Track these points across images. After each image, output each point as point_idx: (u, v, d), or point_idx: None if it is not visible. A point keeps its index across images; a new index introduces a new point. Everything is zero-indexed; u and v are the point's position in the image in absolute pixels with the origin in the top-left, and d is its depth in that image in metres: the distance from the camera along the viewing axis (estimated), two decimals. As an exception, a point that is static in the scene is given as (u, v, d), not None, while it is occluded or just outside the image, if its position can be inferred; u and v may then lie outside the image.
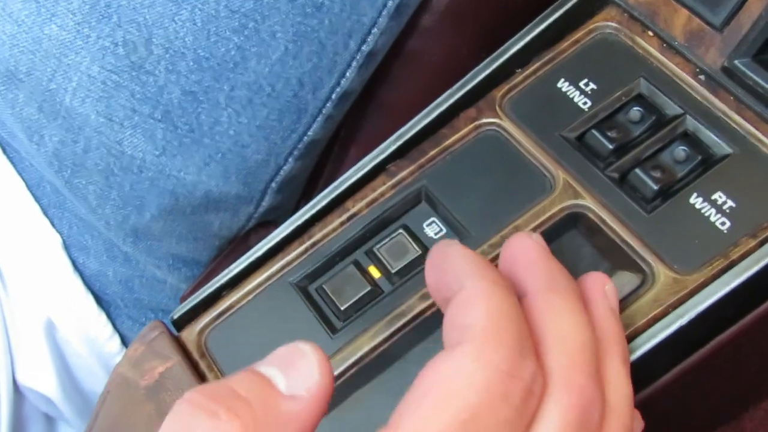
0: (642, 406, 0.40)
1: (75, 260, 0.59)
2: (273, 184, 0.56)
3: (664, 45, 0.46)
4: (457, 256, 0.35)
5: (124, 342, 0.62)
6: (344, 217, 0.47)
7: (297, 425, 0.29)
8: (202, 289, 0.48)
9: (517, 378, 0.30)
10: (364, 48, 0.53)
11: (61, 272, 0.58)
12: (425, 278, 0.37)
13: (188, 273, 0.60)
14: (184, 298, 0.58)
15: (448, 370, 0.30)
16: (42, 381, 0.61)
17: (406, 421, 0.30)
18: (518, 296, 0.35)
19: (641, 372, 0.39)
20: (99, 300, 0.60)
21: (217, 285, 0.47)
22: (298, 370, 0.30)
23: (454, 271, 0.34)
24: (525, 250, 0.37)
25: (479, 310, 0.32)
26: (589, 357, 0.34)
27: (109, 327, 0.61)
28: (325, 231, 0.47)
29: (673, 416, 0.47)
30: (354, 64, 0.53)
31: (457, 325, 0.32)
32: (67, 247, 0.58)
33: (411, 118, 0.49)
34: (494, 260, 0.43)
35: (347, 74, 0.53)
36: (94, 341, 0.61)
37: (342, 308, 0.44)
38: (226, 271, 0.47)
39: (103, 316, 0.60)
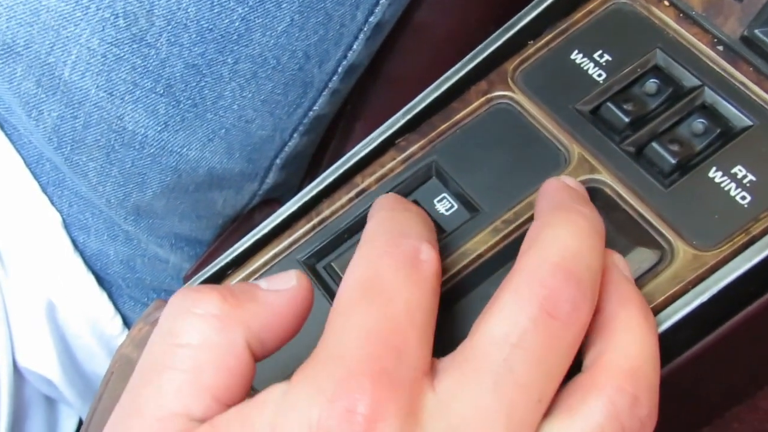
0: (659, 385, 0.40)
1: (75, 239, 0.58)
2: (278, 161, 0.55)
3: (681, 15, 0.45)
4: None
5: (126, 323, 0.61)
6: (353, 193, 0.45)
7: (273, 311, 0.33)
8: (206, 268, 0.46)
9: (394, 250, 0.33)
10: (372, 19, 0.51)
11: (62, 252, 0.58)
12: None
13: (191, 252, 0.59)
14: (187, 278, 0.57)
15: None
16: (43, 363, 0.60)
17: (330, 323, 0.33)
18: None
19: (659, 351, 0.38)
20: (100, 280, 0.60)
21: (223, 263, 0.46)
22: (278, 278, 0.35)
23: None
24: (547, 185, 0.39)
25: (368, 225, 0.37)
26: (570, 261, 0.33)
27: (111, 307, 0.60)
28: (333, 207, 0.45)
29: (689, 396, 0.46)
30: (361, 36, 0.52)
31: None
32: (67, 226, 0.57)
33: (418, 92, 0.48)
34: (508, 236, 0.42)
35: (354, 47, 0.52)
36: (96, 322, 0.60)
37: (351, 287, 0.42)
38: (231, 249, 0.46)
39: (105, 297, 0.60)
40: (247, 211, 0.59)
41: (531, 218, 0.42)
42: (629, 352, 0.33)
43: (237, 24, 0.48)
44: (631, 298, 0.35)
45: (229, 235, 0.59)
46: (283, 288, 0.34)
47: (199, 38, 0.48)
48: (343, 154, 0.47)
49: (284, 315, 0.34)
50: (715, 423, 0.53)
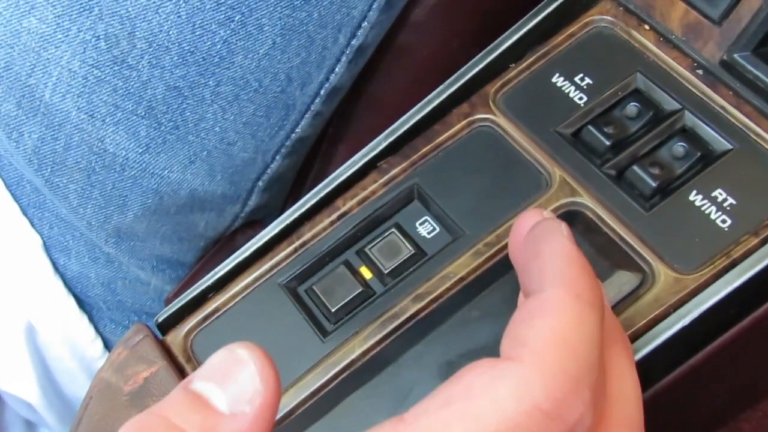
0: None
1: (56, 262, 0.57)
2: (260, 183, 0.55)
3: (661, 39, 0.46)
4: (554, 247, 0.31)
5: (107, 346, 0.61)
6: (334, 216, 0.45)
7: None
8: (187, 291, 0.46)
9: (557, 421, 0.27)
10: (354, 42, 0.51)
11: (42, 274, 0.57)
12: (509, 241, 0.34)
13: (173, 274, 0.58)
14: (168, 301, 0.56)
15: (485, 385, 0.27)
16: (22, 386, 0.60)
17: (423, 419, 0.27)
18: (527, 290, 0.31)
19: (640, 375, 0.38)
20: (81, 303, 0.59)
21: (203, 287, 0.46)
22: (237, 383, 0.28)
23: (542, 263, 0.31)
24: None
25: (543, 327, 0.28)
26: (582, 372, 0.28)
27: (92, 330, 0.60)
28: (314, 230, 0.45)
29: (671, 420, 0.46)
30: (343, 59, 0.52)
31: (514, 335, 0.29)
32: (47, 248, 0.57)
33: (401, 114, 0.48)
34: (490, 260, 0.42)
35: (336, 69, 0.52)
36: (76, 345, 0.60)
37: (333, 310, 0.42)
38: (212, 272, 0.46)
39: (85, 319, 0.59)
40: (229, 233, 0.59)
41: None
42: (620, 393, 0.31)
43: (219, 47, 0.48)
44: (616, 335, 0.33)
45: (211, 258, 0.59)
46: (248, 404, 0.27)
47: (180, 61, 0.47)
48: (326, 176, 0.47)
49: None
50: (698, 446, 0.52)
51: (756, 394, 0.51)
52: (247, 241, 0.47)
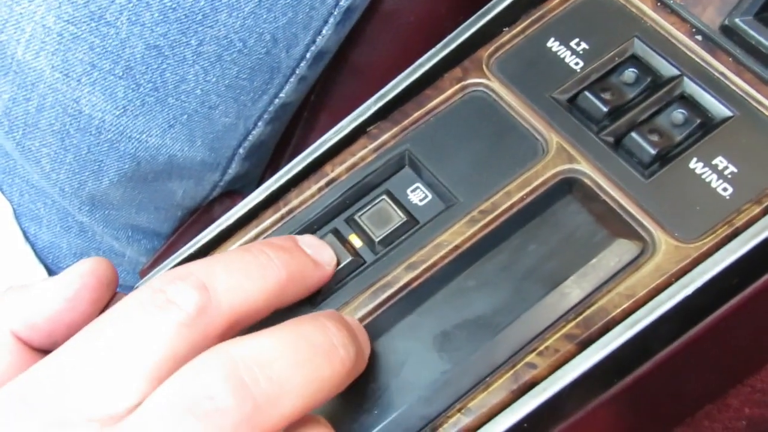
0: (637, 385, 0.39)
1: (26, 231, 0.56)
2: (241, 150, 0.54)
3: (659, 3, 0.44)
4: None
5: (78, 319, 0.59)
6: (323, 182, 0.44)
7: (43, 297, 0.35)
8: (167, 261, 0.44)
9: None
10: (343, 3, 0.50)
11: (11, 243, 0.55)
12: None
13: (148, 245, 0.57)
14: (143, 273, 0.55)
15: None
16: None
17: None
18: None
19: (640, 348, 0.37)
20: (52, 274, 0.57)
21: (184, 256, 0.44)
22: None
23: None
24: None
25: None
26: None
27: (63, 303, 0.57)
28: (302, 197, 0.44)
29: (665, 395, 0.45)
30: (331, 20, 0.50)
31: None
32: (17, 216, 0.55)
33: (386, 81, 0.46)
34: (485, 227, 0.40)
35: (324, 31, 0.50)
36: (46, 318, 0.58)
37: (322, 279, 0.41)
38: (193, 241, 0.44)
39: (56, 292, 0.57)
40: (207, 203, 0.57)
41: (509, 208, 0.41)
42: None
43: (202, 3, 0.46)
44: None
45: (188, 228, 0.57)
46: (63, 278, 0.36)
47: (161, 18, 0.45)
48: (307, 146, 0.46)
49: (59, 299, 0.35)
50: (686, 422, 0.52)
51: (746, 368, 0.51)
52: (225, 211, 0.45)
